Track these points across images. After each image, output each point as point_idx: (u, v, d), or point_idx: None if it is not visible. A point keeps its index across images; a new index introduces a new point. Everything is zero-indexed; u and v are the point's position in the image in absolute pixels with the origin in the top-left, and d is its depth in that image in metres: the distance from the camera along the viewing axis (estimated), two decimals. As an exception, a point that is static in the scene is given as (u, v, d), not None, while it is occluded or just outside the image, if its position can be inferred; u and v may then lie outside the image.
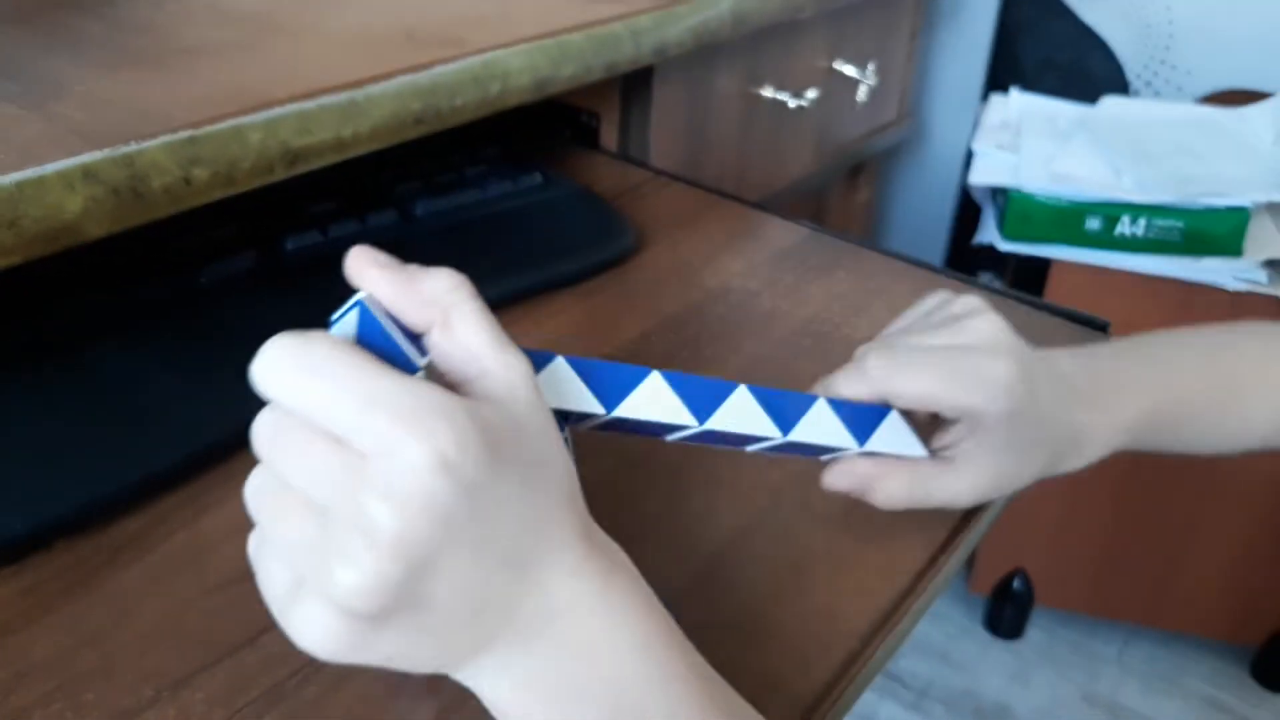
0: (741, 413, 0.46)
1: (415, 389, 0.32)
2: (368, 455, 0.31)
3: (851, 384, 0.49)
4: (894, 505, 0.50)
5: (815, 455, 0.50)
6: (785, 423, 0.47)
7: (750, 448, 0.48)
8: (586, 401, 0.42)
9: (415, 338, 0.37)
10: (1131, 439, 0.56)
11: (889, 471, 0.49)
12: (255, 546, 0.36)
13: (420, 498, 0.31)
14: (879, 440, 0.49)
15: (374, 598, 0.31)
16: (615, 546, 0.38)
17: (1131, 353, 0.59)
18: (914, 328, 0.53)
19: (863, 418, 0.49)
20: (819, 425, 0.48)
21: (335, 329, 0.35)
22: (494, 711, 0.36)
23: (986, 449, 0.49)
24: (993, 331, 0.49)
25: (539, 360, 0.41)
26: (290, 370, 0.33)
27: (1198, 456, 0.62)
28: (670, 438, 0.46)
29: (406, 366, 0.35)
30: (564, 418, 0.42)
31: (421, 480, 0.31)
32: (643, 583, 0.38)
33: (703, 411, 0.45)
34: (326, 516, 0.32)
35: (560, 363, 0.41)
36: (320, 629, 0.33)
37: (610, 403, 0.42)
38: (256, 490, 0.35)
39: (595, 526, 0.38)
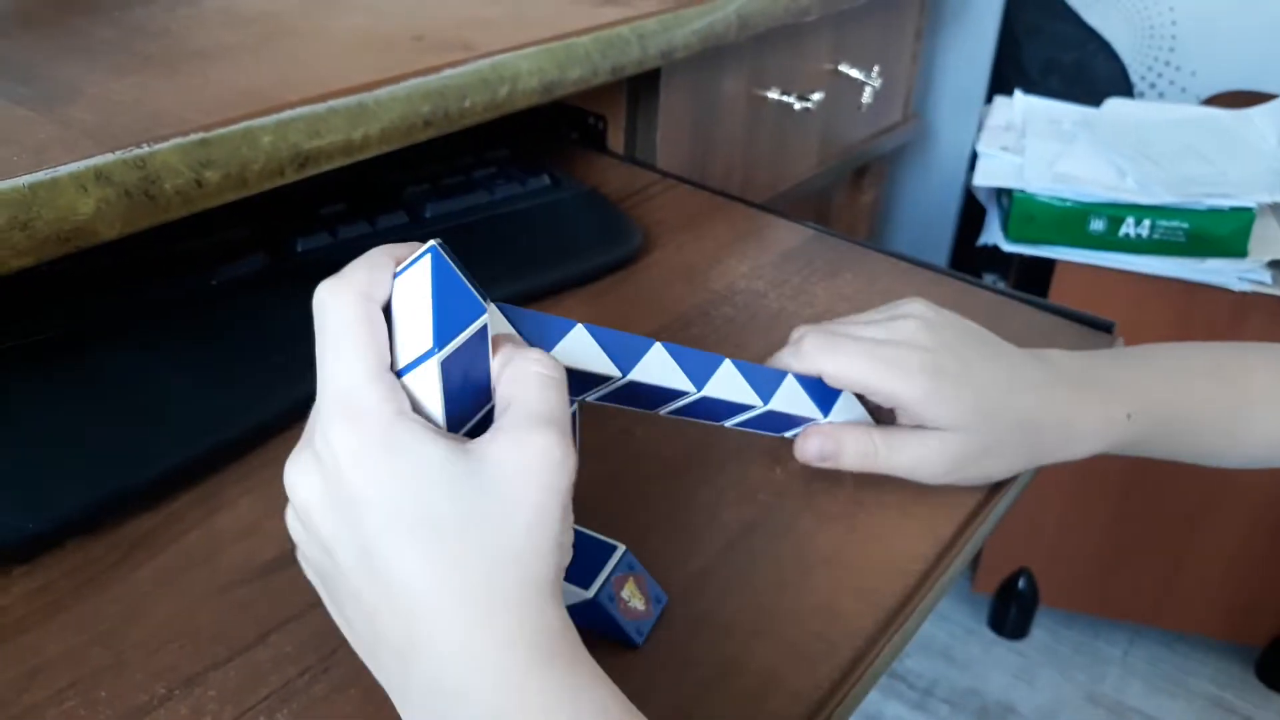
0: (730, 383, 0.49)
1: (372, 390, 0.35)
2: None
3: (788, 360, 0.54)
4: (860, 466, 0.54)
5: (783, 430, 0.55)
6: (765, 394, 0.51)
7: (733, 419, 0.52)
8: (605, 365, 0.44)
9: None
10: (1129, 439, 0.57)
11: (856, 433, 0.54)
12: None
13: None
14: (839, 412, 0.55)
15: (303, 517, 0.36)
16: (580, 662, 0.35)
17: (1135, 355, 0.61)
18: (855, 320, 0.57)
19: (824, 393, 0.54)
20: (791, 397, 0.53)
21: (405, 273, 0.37)
22: None
23: (934, 431, 0.53)
24: (916, 328, 0.54)
25: (562, 327, 0.42)
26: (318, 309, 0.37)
27: (1199, 465, 0.62)
28: (667, 408, 0.49)
29: (475, 306, 0.37)
30: (580, 386, 0.44)
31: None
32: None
33: (699, 380, 0.48)
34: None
35: (582, 328, 0.43)
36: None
37: (625, 367, 0.44)
38: None
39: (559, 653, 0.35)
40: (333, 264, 0.67)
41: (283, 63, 0.67)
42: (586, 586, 0.44)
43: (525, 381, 0.37)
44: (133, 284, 0.63)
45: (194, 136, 0.55)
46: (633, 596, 0.45)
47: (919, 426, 0.53)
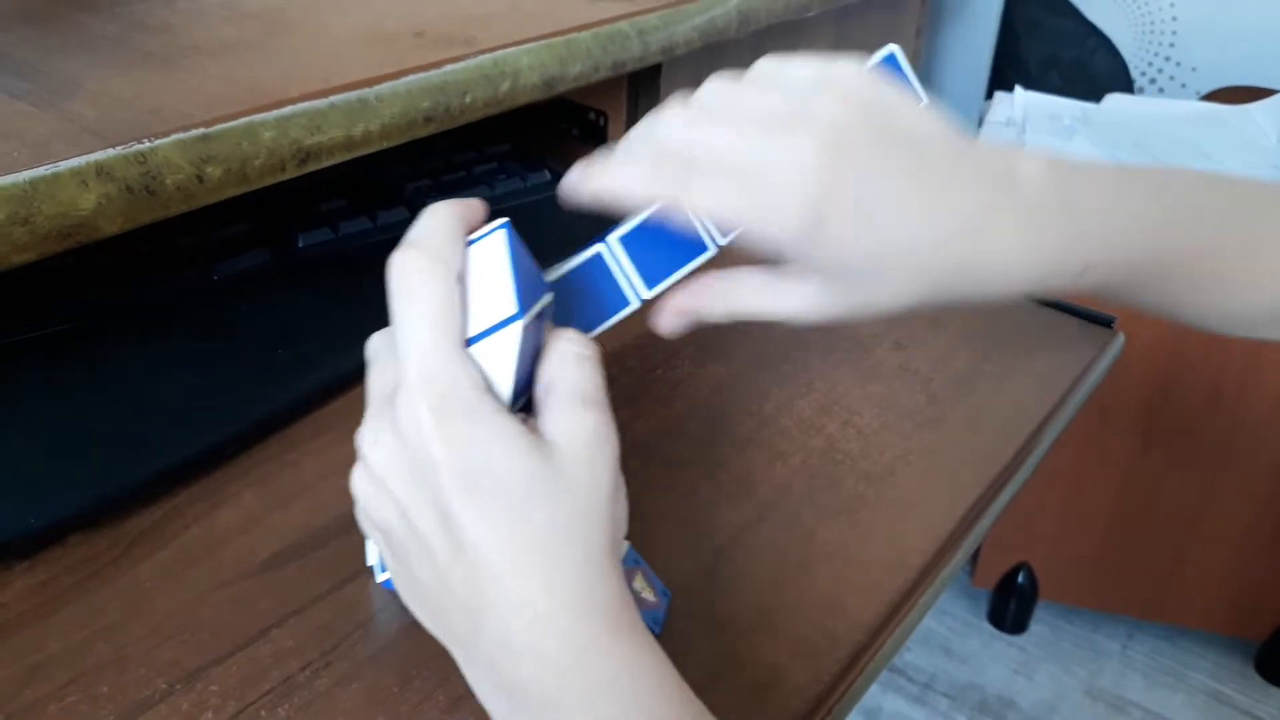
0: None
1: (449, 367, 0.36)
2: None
3: (623, 182, 0.44)
4: (730, 317, 0.48)
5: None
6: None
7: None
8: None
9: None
10: (1096, 281, 0.44)
11: (713, 293, 0.48)
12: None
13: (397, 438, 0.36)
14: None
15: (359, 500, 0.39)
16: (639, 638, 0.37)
17: (1128, 176, 0.46)
18: (754, 82, 0.43)
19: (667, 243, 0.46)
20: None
21: (476, 244, 0.38)
22: None
23: (813, 273, 0.44)
24: (822, 129, 0.40)
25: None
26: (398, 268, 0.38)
27: (1184, 324, 0.51)
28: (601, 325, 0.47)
29: (543, 283, 0.39)
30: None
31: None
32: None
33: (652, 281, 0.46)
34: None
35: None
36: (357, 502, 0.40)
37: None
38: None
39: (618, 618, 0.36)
40: (334, 259, 0.68)
41: (284, 58, 0.67)
42: None
43: (566, 362, 0.39)
44: (134, 279, 0.63)
45: (195, 132, 0.55)
46: (644, 589, 0.46)
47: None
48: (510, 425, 0.36)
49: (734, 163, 0.41)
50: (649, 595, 0.45)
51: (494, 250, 0.38)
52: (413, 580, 0.38)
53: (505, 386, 0.37)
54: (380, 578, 0.47)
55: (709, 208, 0.42)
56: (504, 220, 0.39)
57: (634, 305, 0.47)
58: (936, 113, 0.43)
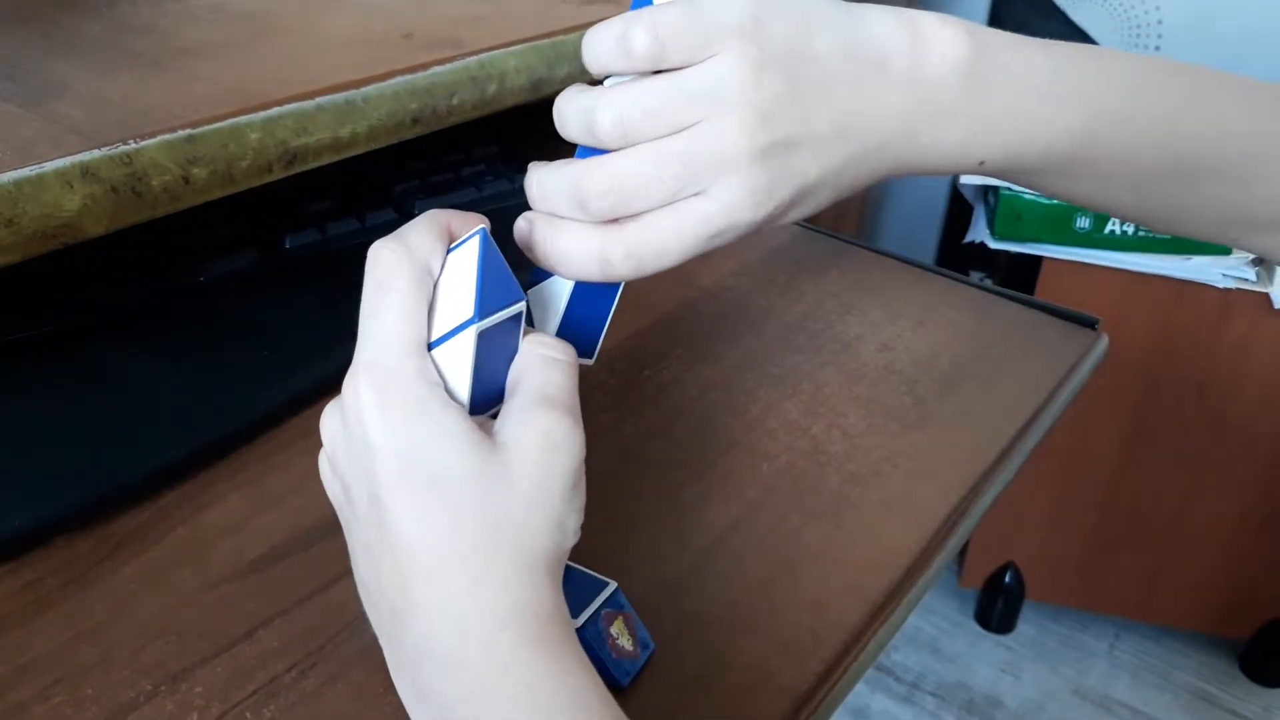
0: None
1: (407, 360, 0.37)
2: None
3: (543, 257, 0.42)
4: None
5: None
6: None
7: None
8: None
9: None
10: (994, 170, 0.44)
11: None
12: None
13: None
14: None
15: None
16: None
17: (1053, 67, 0.43)
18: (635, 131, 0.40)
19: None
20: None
21: (455, 251, 0.39)
22: None
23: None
24: (728, 114, 0.38)
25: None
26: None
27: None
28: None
29: (516, 292, 0.38)
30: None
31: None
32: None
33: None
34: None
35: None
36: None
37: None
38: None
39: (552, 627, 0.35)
40: (322, 261, 0.68)
41: (271, 60, 0.67)
42: (573, 619, 0.42)
43: (531, 363, 0.39)
44: (120, 281, 0.63)
45: (181, 133, 0.55)
46: (621, 634, 0.44)
47: None
48: (455, 420, 0.35)
49: (671, 187, 0.39)
50: (626, 644, 0.44)
51: (467, 256, 0.38)
52: (356, 570, 0.38)
53: (463, 392, 0.37)
54: None
55: (673, 257, 0.41)
56: (481, 227, 0.39)
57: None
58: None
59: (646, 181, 0.39)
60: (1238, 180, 0.46)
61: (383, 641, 0.38)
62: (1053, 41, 0.44)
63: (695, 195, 0.39)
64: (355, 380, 0.36)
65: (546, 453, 0.36)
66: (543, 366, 0.38)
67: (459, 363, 0.37)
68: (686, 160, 0.39)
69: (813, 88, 0.39)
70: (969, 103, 0.41)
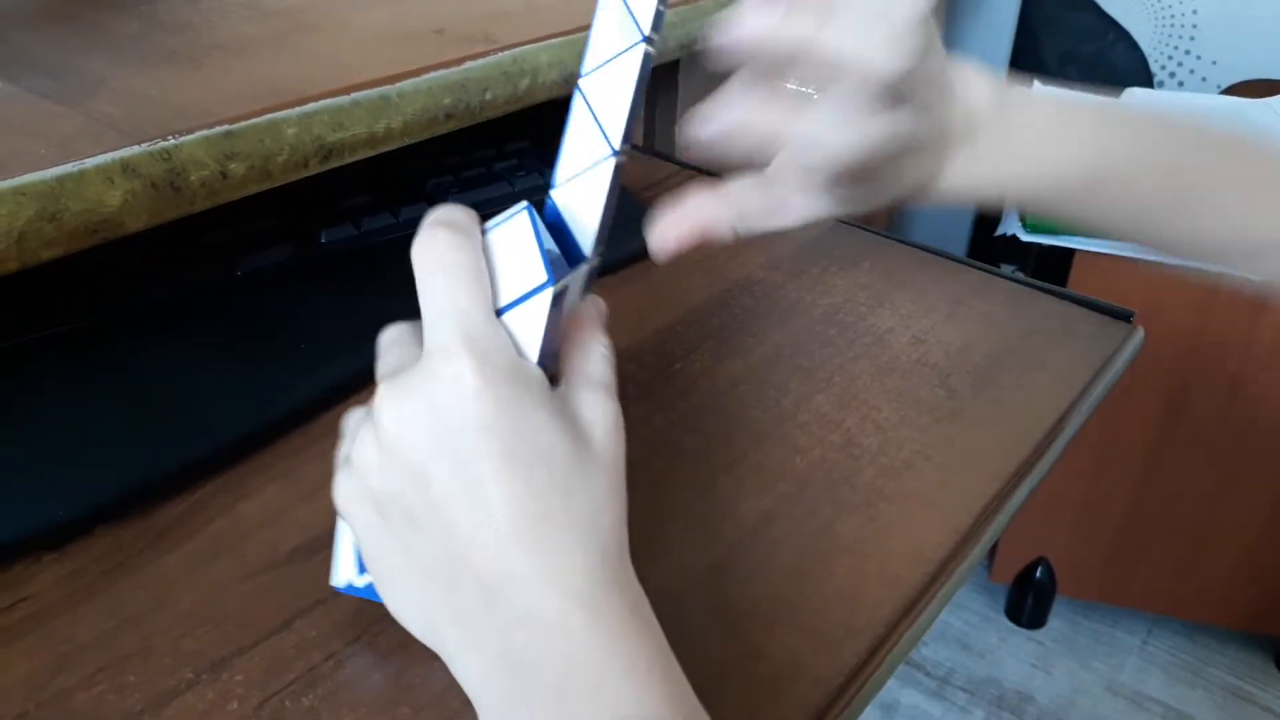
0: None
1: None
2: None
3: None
4: (738, 232, 0.50)
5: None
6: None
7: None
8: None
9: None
10: (1014, 201, 0.52)
11: (717, 204, 0.49)
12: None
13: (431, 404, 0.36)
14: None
15: (359, 475, 0.38)
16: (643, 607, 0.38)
17: (1066, 114, 0.50)
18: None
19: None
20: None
21: (497, 229, 0.39)
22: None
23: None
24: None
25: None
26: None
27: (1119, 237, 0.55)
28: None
29: (562, 263, 0.39)
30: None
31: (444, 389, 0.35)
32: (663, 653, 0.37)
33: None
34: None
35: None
36: (342, 499, 0.39)
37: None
38: None
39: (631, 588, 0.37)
40: (357, 255, 0.68)
41: (306, 56, 0.67)
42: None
43: (593, 353, 0.40)
44: (159, 276, 0.63)
45: (219, 129, 0.56)
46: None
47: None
48: (552, 397, 0.37)
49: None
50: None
51: (519, 229, 0.38)
52: (412, 561, 0.37)
53: (531, 357, 0.38)
54: (345, 580, 0.45)
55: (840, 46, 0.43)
56: (524, 203, 0.39)
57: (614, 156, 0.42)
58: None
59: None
60: (1234, 212, 0.51)
61: (455, 629, 0.37)
62: (1060, 91, 0.53)
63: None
64: (451, 358, 0.35)
65: (618, 435, 0.38)
66: (602, 359, 0.40)
67: (532, 327, 0.37)
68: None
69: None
70: (997, 141, 0.48)
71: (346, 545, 0.44)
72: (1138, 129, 0.50)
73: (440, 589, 0.37)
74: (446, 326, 0.36)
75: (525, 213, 0.39)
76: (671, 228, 0.48)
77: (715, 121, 0.46)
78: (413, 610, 0.39)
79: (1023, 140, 0.49)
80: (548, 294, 0.37)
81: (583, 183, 0.41)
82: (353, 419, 0.41)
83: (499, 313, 0.38)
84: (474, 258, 0.37)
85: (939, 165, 0.48)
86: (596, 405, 0.38)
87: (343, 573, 0.45)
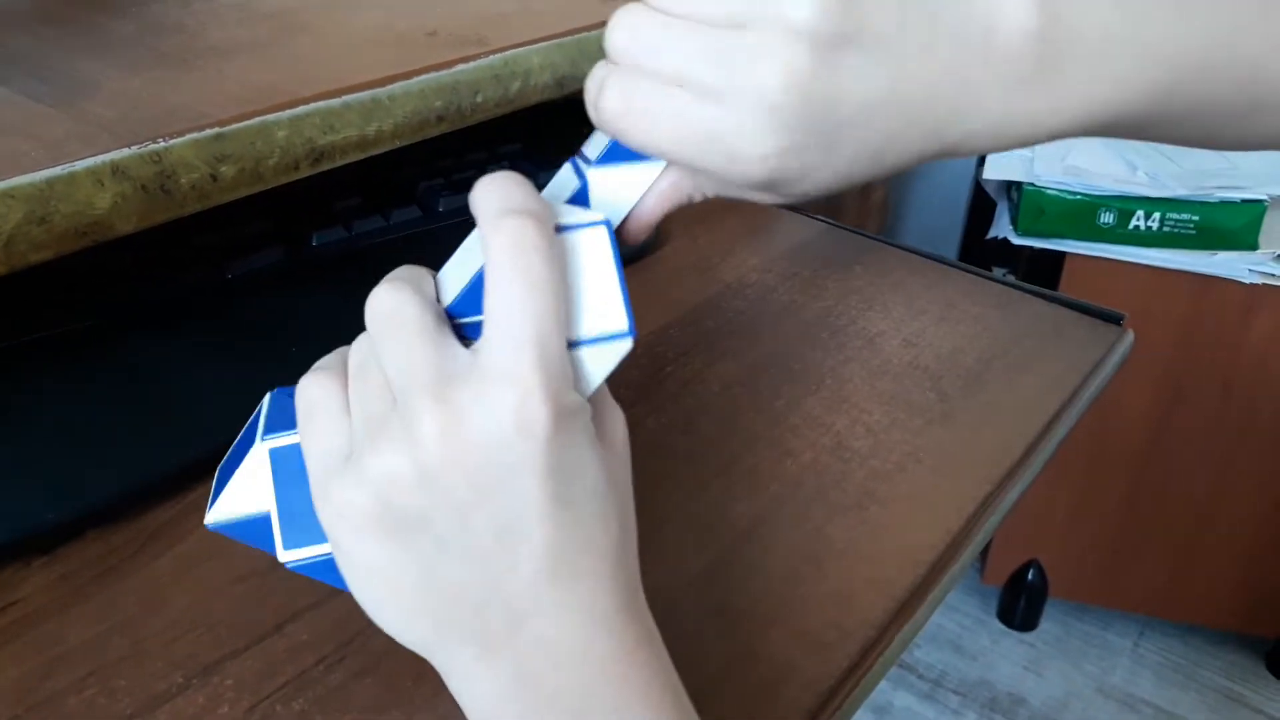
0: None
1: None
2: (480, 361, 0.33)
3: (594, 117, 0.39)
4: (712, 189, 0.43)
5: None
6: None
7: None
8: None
9: None
10: (1079, 130, 0.41)
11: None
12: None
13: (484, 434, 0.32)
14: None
15: (385, 490, 0.33)
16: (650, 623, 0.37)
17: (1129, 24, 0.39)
18: (694, 16, 0.36)
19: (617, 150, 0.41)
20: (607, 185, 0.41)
21: (573, 233, 0.35)
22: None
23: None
24: (780, 64, 0.34)
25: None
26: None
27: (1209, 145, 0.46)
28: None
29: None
30: None
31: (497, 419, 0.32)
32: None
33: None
34: (395, 399, 0.34)
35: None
36: (347, 508, 0.34)
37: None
38: (359, 359, 0.37)
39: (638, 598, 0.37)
40: (348, 258, 0.68)
41: (297, 58, 0.67)
42: None
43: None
44: (149, 278, 0.63)
45: (209, 131, 0.56)
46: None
47: None
48: (592, 430, 0.35)
49: (685, 66, 0.36)
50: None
51: (595, 250, 0.35)
52: (430, 582, 0.35)
53: (587, 394, 0.36)
54: (290, 557, 0.40)
55: (657, 140, 0.37)
56: (603, 217, 0.36)
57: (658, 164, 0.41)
58: None
59: (666, 44, 0.36)
60: None
61: (470, 647, 0.35)
62: None
63: (710, 99, 0.35)
64: (530, 399, 0.32)
65: (628, 450, 0.38)
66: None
67: (595, 371, 0.35)
68: (719, 52, 0.35)
69: (873, 41, 0.35)
70: (1040, 73, 0.38)
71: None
72: (1220, 18, 0.40)
73: (462, 611, 0.35)
74: (523, 353, 0.32)
75: (606, 231, 0.36)
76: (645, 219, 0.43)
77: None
78: (418, 626, 0.36)
79: (1076, 67, 0.38)
80: (625, 346, 0.35)
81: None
82: (355, 357, 0.37)
83: (574, 344, 0.35)
84: (561, 275, 0.34)
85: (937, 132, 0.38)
86: (615, 419, 0.37)
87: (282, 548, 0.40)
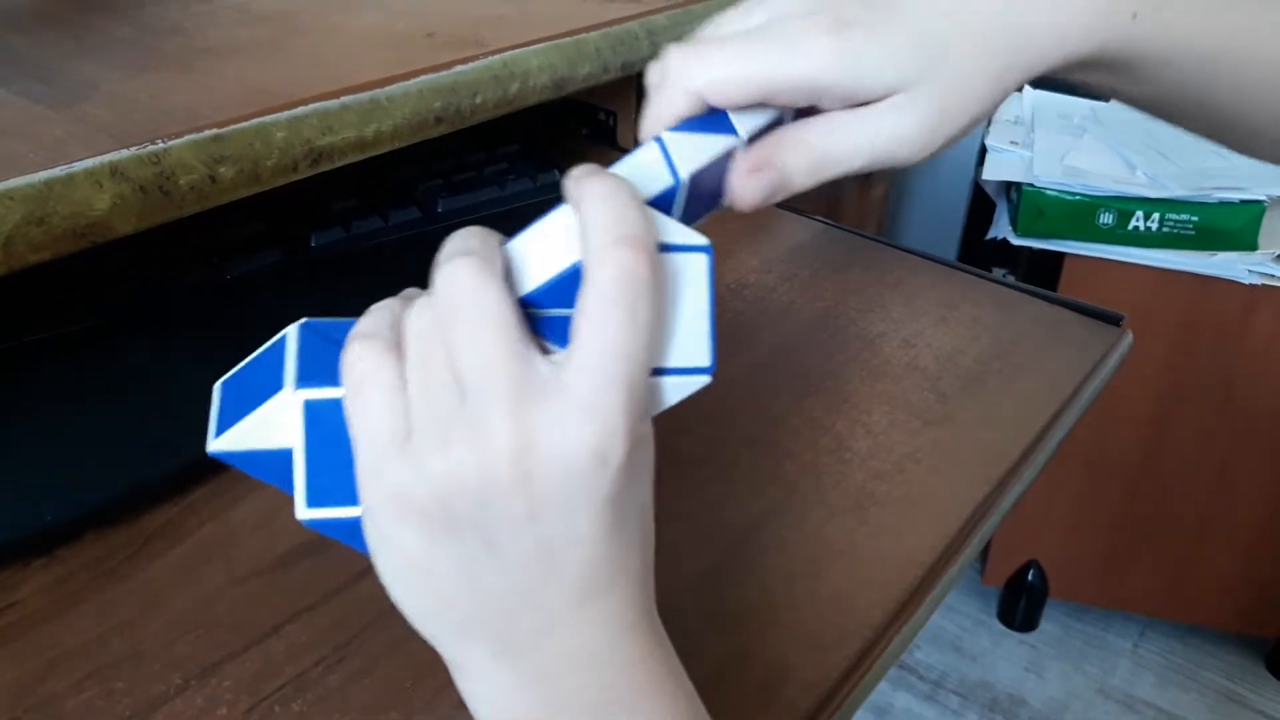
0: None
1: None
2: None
3: (653, 93, 0.40)
4: (814, 178, 0.42)
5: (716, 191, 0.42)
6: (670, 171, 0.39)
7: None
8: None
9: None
10: (1131, 48, 0.42)
11: (786, 143, 0.41)
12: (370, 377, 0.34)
13: (552, 455, 0.31)
14: (744, 126, 0.41)
15: (445, 490, 0.32)
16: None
17: None
18: (721, 22, 0.41)
19: (718, 122, 0.40)
20: (688, 148, 0.39)
21: (676, 254, 0.34)
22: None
23: (875, 104, 0.40)
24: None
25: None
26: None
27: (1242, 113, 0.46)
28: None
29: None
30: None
31: (566, 445, 0.31)
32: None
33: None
34: (465, 396, 0.32)
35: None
36: (400, 495, 0.33)
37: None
38: (419, 332, 0.34)
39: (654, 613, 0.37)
40: (347, 259, 0.68)
41: (296, 60, 0.67)
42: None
43: None
44: (148, 280, 0.63)
45: (208, 133, 0.56)
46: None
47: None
48: (652, 458, 0.35)
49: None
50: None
51: (697, 275, 0.34)
52: (467, 580, 0.34)
53: (649, 418, 0.35)
54: (311, 515, 0.37)
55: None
56: (707, 241, 0.34)
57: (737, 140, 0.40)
58: None
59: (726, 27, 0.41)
60: None
61: (488, 644, 0.35)
62: None
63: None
64: (605, 422, 0.31)
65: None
66: None
67: (665, 402, 0.35)
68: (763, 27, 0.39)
69: None
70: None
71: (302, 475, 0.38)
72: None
73: (491, 614, 0.34)
74: (611, 392, 0.31)
75: (706, 256, 0.34)
76: (752, 186, 0.42)
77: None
78: (442, 620, 0.35)
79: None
80: (703, 381, 0.34)
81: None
82: (415, 326, 0.34)
83: (656, 371, 0.34)
84: (661, 310, 0.33)
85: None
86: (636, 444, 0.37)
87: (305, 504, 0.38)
